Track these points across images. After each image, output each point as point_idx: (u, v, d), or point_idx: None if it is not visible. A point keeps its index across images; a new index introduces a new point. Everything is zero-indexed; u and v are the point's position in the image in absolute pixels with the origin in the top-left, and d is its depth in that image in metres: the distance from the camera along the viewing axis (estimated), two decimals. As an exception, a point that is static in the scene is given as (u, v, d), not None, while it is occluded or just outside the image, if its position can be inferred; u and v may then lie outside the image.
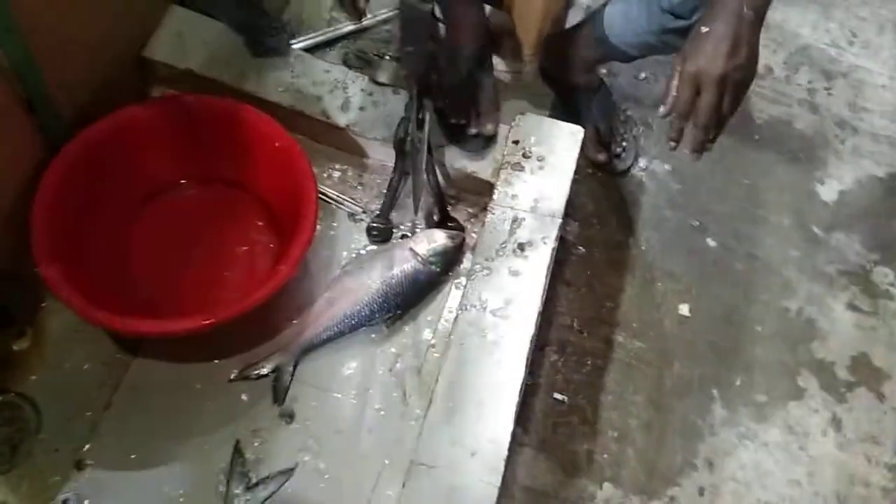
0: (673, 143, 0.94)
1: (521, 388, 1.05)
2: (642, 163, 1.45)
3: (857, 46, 1.68)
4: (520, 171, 1.22)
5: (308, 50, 1.41)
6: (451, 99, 1.22)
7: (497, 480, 0.98)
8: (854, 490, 1.20)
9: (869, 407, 1.28)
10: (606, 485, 1.16)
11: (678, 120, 0.92)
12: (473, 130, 1.24)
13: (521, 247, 1.15)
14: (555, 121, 1.26)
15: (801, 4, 1.72)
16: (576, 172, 1.25)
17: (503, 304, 1.10)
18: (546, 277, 1.13)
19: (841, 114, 1.57)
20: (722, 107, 0.89)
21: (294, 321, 1.17)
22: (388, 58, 1.46)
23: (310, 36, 1.45)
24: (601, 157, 1.41)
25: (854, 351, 1.32)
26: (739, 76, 0.89)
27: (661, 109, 0.92)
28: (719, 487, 1.18)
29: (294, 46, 1.37)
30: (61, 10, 1.06)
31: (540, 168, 1.22)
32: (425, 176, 1.24)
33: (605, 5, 1.27)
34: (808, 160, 1.51)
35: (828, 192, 1.48)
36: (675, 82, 0.90)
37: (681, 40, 0.95)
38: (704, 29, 0.89)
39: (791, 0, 1.73)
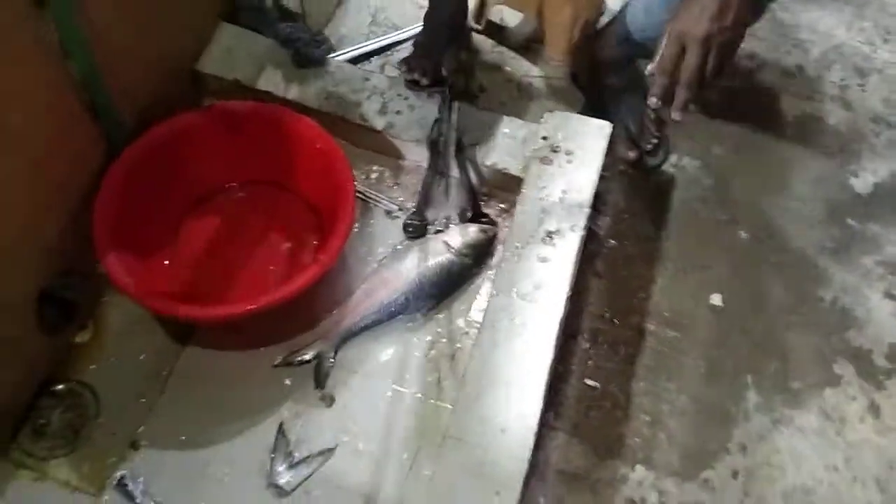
0: (653, 99, 0.97)
1: (549, 369, 1.08)
2: (673, 159, 1.47)
3: (892, 44, 1.68)
4: (548, 164, 1.26)
5: (348, 62, 1.49)
6: (416, 56, 1.34)
7: (526, 455, 1.01)
8: (894, 475, 1.19)
9: (909, 394, 1.26)
10: (639, 467, 1.17)
11: (661, 77, 0.96)
12: (425, 82, 1.35)
13: (550, 235, 1.19)
14: (583, 117, 1.31)
15: (835, 6, 1.74)
16: (606, 169, 1.29)
17: (532, 289, 1.14)
18: (574, 264, 1.16)
19: (875, 109, 1.57)
20: (705, 68, 0.93)
21: (333, 312, 1.23)
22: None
23: (350, 49, 1.54)
24: (632, 154, 1.44)
25: (892, 339, 1.31)
26: (724, 39, 0.92)
27: (649, 67, 0.96)
28: (753, 471, 1.18)
29: (335, 59, 1.46)
30: (124, 27, 1.16)
31: (568, 162, 1.26)
32: (458, 171, 1.30)
33: (628, 3, 1.31)
34: (842, 154, 1.51)
35: (862, 184, 1.48)
36: (663, 41, 0.95)
37: None
38: None
39: (824, 2, 1.75)
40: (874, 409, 1.24)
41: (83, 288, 1.21)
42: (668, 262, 1.37)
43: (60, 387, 1.18)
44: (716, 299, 1.33)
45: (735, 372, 1.27)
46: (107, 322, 1.23)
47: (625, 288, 1.33)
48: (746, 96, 1.57)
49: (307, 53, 1.39)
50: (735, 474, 1.17)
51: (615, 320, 1.30)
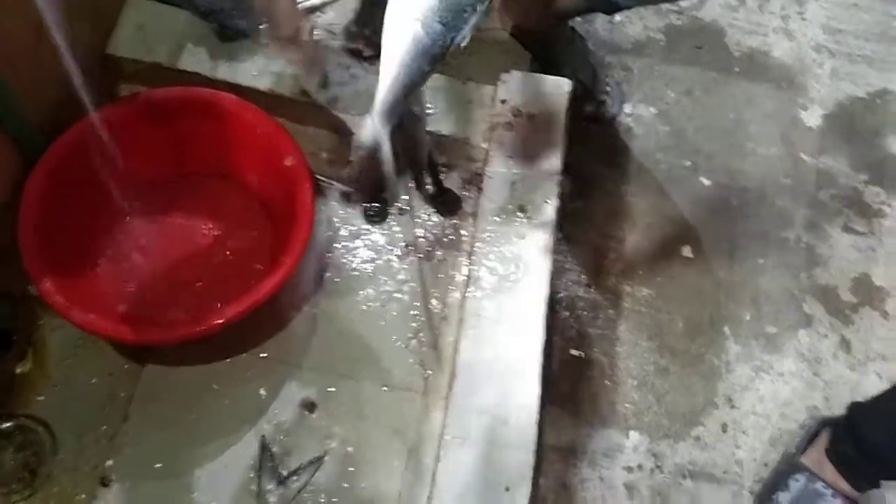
0: None
1: (542, 352, 1.04)
2: (628, 108, 1.43)
3: (825, -33, 1.67)
4: (511, 130, 1.19)
5: (275, 28, 1.36)
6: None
7: (532, 446, 0.98)
8: (869, 408, 1.23)
9: (875, 326, 1.30)
10: (632, 433, 1.17)
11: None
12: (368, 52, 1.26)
13: (523, 209, 1.14)
14: (541, 76, 1.24)
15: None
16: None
17: (513, 270, 1.09)
18: (553, 237, 1.12)
19: (816, 38, 1.57)
20: None
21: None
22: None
23: (274, 14, 1.40)
24: (588, 108, 1.39)
25: (855, 273, 1.34)
26: None
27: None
28: (741, 422, 1.20)
29: (262, 26, 1.32)
30: (25, 15, 1.01)
31: (532, 126, 1.20)
32: (413, 146, 1.22)
33: None
34: (790, 87, 1.51)
35: (811, 117, 1.49)
36: None
37: None
38: None
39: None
40: (845, 345, 1.28)
41: (16, 312, 1.10)
42: (635, 217, 1.34)
43: (8, 425, 1.07)
44: (686, 251, 1.32)
45: (712, 323, 1.27)
46: (47, 347, 1.12)
47: (596, 249, 1.31)
48: (692, 34, 1.54)
49: (232, 25, 1.25)
50: (724, 427, 1.19)
51: (591, 285, 1.27)
